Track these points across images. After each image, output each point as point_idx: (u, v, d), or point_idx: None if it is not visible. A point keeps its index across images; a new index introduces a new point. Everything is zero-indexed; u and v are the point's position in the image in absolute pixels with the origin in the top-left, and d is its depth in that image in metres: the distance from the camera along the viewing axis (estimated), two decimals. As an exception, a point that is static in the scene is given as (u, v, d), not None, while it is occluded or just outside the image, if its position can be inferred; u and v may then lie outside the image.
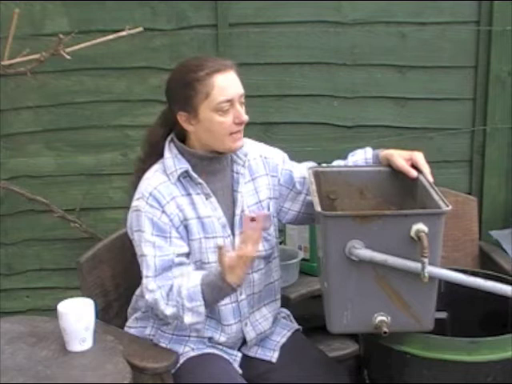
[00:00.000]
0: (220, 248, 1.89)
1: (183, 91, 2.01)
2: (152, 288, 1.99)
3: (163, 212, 2.00)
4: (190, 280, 1.97)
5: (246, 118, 2.02)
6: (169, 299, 1.98)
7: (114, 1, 2.81)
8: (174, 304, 1.97)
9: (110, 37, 2.63)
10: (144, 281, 2.01)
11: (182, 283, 1.97)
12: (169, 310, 1.98)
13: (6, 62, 2.57)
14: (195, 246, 2.04)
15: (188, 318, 1.97)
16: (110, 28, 2.71)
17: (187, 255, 2.03)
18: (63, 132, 2.93)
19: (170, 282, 1.98)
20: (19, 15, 2.54)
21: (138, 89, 2.90)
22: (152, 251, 1.99)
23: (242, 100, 2.04)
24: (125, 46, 2.81)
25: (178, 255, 2.00)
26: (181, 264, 2.00)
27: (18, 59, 2.58)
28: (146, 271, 2.00)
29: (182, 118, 2.03)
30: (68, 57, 2.53)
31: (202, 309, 1.96)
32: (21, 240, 3.02)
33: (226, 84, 2.00)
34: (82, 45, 2.61)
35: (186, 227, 2.03)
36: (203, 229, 2.04)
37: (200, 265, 2.04)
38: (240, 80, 2.05)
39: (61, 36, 2.51)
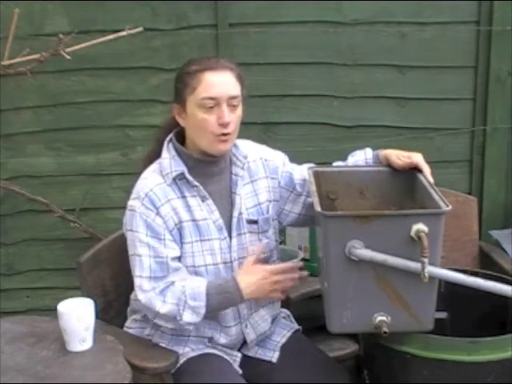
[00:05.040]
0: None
1: (177, 83, 2.06)
2: (146, 288, 1.99)
3: (158, 214, 2.00)
4: (193, 281, 1.99)
5: (228, 119, 1.97)
6: (166, 297, 1.98)
7: (114, 1, 2.81)
8: (173, 302, 1.97)
9: (110, 37, 2.64)
10: (137, 280, 2.01)
11: (185, 284, 1.98)
12: (165, 308, 1.97)
13: (5, 62, 2.58)
14: (187, 250, 2.04)
15: (187, 316, 1.97)
16: (110, 28, 2.71)
17: (179, 259, 2.03)
18: (63, 132, 2.93)
19: (165, 283, 1.99)
20: (19, 15, 2.54)
21: (138, 89, 2.90)
22: (147, 251, 1.99)
23: (234, 103, 2.00)
24: (125, 46, 2.81)
25: (173, 259, 2.00)
26: (177, 269, 2.01)
27: (18, 59, 2.59)
28: (139, 271, 2.00)
29: (175, 110, 2.06)
30: (68, 57, 2.54)
31: (203, 310, 1.97)
32: (21, 240, 3.02)
33: (214, 82, 1.99)
34: (82, 45, 2.61)
35: (180, 230, 2.03)
36: (198, 231, 2.04)
37: (192, 269, 2.04)
38: (240, 83, 2.03)
39: (61, 36, 2.52)
